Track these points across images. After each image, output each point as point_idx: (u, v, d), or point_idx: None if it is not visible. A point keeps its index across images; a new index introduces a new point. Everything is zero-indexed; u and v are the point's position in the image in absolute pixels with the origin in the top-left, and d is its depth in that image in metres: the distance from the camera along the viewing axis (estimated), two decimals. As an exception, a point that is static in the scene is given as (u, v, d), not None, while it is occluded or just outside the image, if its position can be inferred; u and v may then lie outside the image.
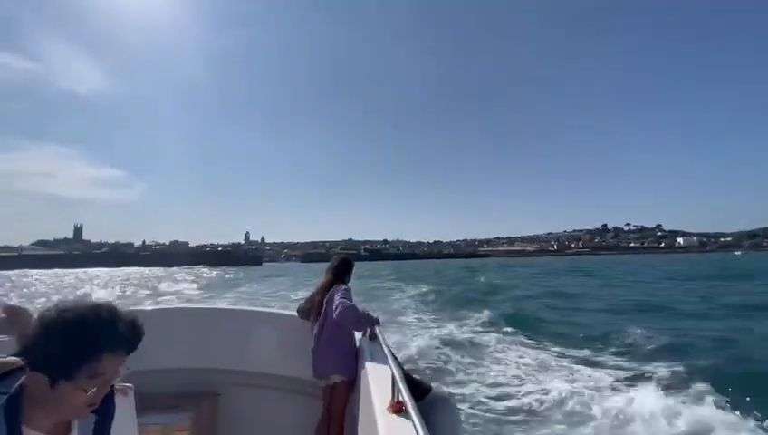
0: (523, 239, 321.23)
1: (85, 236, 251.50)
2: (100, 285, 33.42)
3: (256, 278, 41.80)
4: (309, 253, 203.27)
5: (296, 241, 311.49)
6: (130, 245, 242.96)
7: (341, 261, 2.95)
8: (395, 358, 1.78)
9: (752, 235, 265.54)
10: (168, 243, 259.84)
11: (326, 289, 2.77)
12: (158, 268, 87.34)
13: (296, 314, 2.91)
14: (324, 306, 2.71)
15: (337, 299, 2.62)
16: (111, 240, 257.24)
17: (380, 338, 2.34)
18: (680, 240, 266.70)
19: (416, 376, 2.12)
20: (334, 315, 2.59)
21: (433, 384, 2.09)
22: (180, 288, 28.88)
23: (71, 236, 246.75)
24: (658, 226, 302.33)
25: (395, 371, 1.55)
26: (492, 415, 5.21)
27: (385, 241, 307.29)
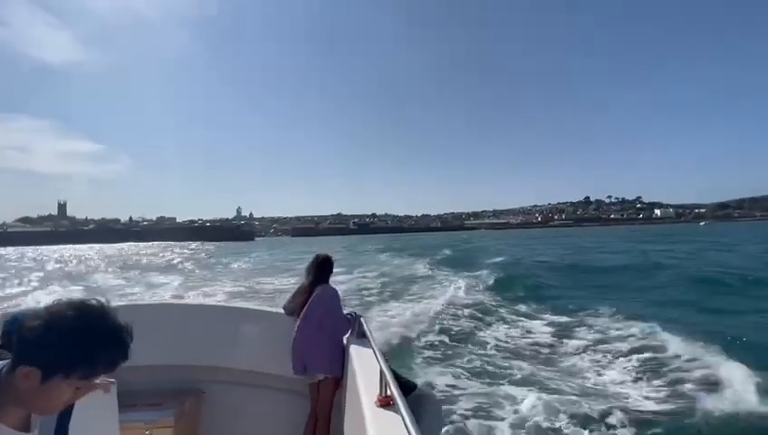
0: (509, 212, 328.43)
1: (69, 213, 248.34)
2: (108, 267, 30.44)
3: (256, 249, 45.92)
4: (298, 227, 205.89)
5: (284, 216, 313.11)
6: (117, 221, 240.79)
7: (322, 261, 2.90)
8: (383, 354, 1.86)
9: (723, 206, 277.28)
10: (154, 219, 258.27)
11: (309, 289, 2.78)
12: (149, 243, 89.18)
13: (282, 311, 2.92)
14: (307, 307, 2.71)
15: (326, 308, 2.67)
16: (97, 216, 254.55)
17: (368, 335, 2.36)
18: (658, 212, 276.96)
19: (402, 376, 2.20)
20: (333, 329, 2.65)
21: (418, 382, 2.18)
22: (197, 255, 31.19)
23: (55, 212, 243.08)
24: (638, 198, 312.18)
25: (383, 366, 1.58)
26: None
27: (374, 215, 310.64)
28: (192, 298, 11.95)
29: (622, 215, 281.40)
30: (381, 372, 1.55)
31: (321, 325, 2.63)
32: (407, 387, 2.05)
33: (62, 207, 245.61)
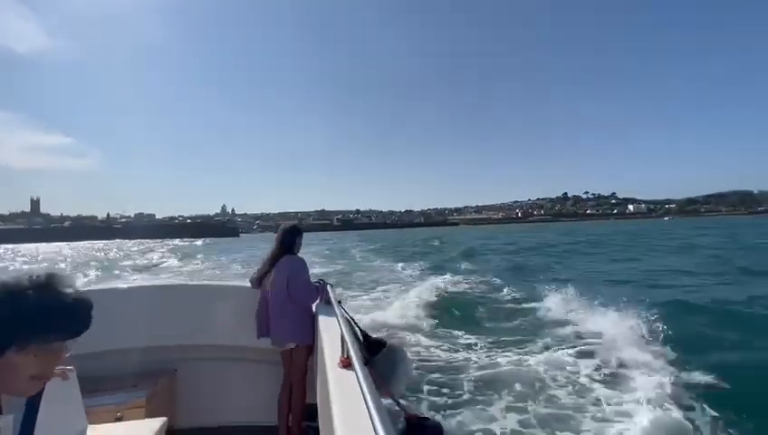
0: (491, 208, 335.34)
1: (43, 209, 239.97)
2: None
3: (244, 245, 47.31)
4: (281, 224, 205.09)
5: (267, 212, 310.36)
6: (94, 218, 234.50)
7: (286, 230, 2.87)
8: (346, 316, 1.98)
9: (692, 201, 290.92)
10: (132, 215, 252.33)
11: (274, 259, 2.77)
12: (132, 241, 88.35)
13: (249, 284, 2.90)
14: (273, 276, 2.72)
15: (294, 278, 2.67)
16: (72, 213, 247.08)
17: (333, 300, 2.45)
18: (631, 207, 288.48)
19: (375, 335, 2.33)
20: (302, 298, 2.68)
21: (389, 340, 2.35)
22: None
23: (27, 209, 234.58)
24: (613, 194, 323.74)
25: (343, 329, 1.69)
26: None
27: (357, 211, 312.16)
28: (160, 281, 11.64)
29: (598, 210, 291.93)
30: (342, 336, 1.67)
31: (288, 295, 2.64)
32: (377, 345, 2.20)
33: (35, 203, 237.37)
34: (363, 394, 1.07)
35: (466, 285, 11.49)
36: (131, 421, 2.25)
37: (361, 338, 2.40)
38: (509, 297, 9.96)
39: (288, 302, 2.66)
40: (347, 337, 1.58)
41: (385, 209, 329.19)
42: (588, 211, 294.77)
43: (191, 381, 2.96)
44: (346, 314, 2.13)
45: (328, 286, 2.74)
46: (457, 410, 4.16)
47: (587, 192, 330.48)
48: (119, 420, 2.31)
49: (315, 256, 24.98)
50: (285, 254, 2.79)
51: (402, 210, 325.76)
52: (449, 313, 8.40)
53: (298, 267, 2.74)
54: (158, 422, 2.10)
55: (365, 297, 11.38)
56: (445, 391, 4.64)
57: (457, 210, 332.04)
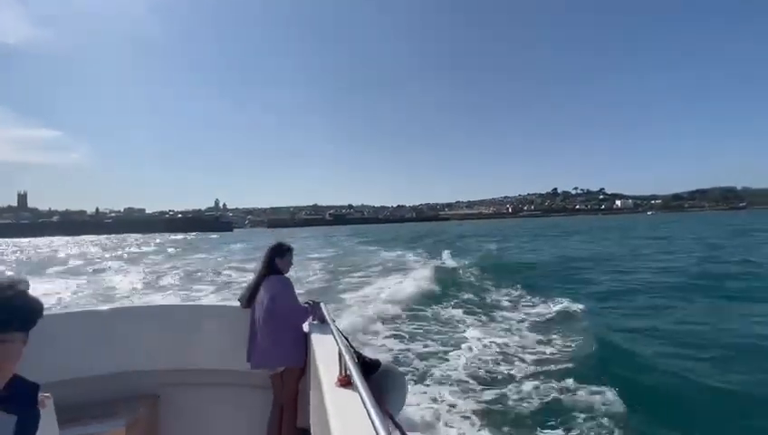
0: (482, 203, 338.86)
1: (30, 204, 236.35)
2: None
3: (242, 239, 48.95)
4: (274, 219, 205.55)
5: (259, 207, 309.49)
6: (83, 212, 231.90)
7: (272, 249, 2.79)
8: (341, 334, 1.89)
9: (677, 197, 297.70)
10: (122, 210, 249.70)
11: (261, 278, 2.71)
12: (123, 235, 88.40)
13: (238, 304, 2.80)
14: (260, 296, 2.66)
15: (280, 298, 2.59)
16: (60, 208, 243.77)
17: (328, 318, 2.36)
18: (618, 203, 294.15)
19: (366, 356, 2.24)
20: (288, 319, 2.60)
21: (382, 360, 2.23)
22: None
23: (14, 203, 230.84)
24: (601, 189, 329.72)
25: (341, 346, 1.61)
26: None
27: (350, 206, 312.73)
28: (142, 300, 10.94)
29: (586, 205, 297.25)
30: (340, 353, 1.59)
31: (273, 317, 2.57)
32: (371, 365, 2.13)
33: (22, 197, 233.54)
34: (368, 412, 1.02)
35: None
36: None
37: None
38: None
39: (275, 323, 2.57)
40: (345, 354, 1.54)
41: (377, 204, 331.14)
42: (577, 206, 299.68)
43: (175, 407, 2.81)
44: (342, 333, 2.09)
45: (321, 304, 2.64)
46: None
47: (576, 188, 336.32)
48: None
49: (311, 244, 29.11)
50: (272, 273, 2.70)
51: (394, 205, 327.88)
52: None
53: (281, 287, 2.64)
54: None
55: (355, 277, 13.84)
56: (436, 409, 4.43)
57: (449, 205, 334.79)
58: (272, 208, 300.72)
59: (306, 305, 2.66)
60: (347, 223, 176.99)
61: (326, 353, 1.95)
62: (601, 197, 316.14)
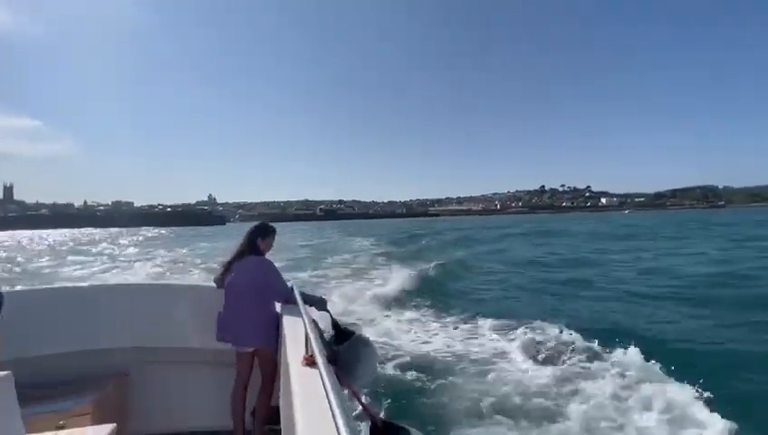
0: (472, 199, 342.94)
1: (16, 197, 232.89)
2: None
3: (238, 234, 52.16)
4: (264, 213, 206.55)
5: (249, 201, 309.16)
6: (71, 205, 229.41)
7: (255, 228, 2.80)
8: (310, 317, 1.96)
9: (659, 196, 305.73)
10: (110, 203, 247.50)
11: (239, 257, 2.70)
12: (119, 229, 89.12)
13: (213, 284, 2.79)
14: (236, 275, 2.64)
15: (272, 279, 2.61)
16: (47, 200, 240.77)
17: (299, 301, 2.38)
18: (603, 200, 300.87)
19: (344, 325, 2.32)
20: (282, 299, 2.60)
21: (357, 332, 2.27)
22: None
23: (0, 196, 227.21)
24: (588, 187, 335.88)
25: (308, 327, 1.67)
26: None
27: (340, 201, 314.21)
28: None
29: (572, 203, 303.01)
30: (306, 334, 1.65)
31: (250, 297, 2.57)
32: (345, 333, 2.23)
33: (8, 190, 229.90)
34: (326, 392, 1.05)
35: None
36: (75, 429, 2.01)
37: (332, 328, 2.38)
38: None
39: (252, 303, 2.58)
40: (311, 335, 1.58)
41: (368, 200, 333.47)
42: (563, 204, 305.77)
43: (144, 385, 2.82)
44: (309, 314, 2.08)
45: (293, 286, 2.65)
46: (422, 411, 4.16)
47: (563, 185, 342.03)
48: (60, 428, 2.08)
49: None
50: (252, 253, 2.70)
51: (385, 201, 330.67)
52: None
53: (270, 268, 2.64)
54: (105, 429, 1.92)
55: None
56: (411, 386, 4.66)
57: (439, 202, 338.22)
58: (263, 203, 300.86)
59: (287, 285, 2.65)
60: (338, 218, 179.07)
61: (295, 334, 1.98)
62: (587, 194, 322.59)
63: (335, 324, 2.28)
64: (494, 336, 6.70)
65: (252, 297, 2.61)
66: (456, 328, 7.39)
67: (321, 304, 2.64)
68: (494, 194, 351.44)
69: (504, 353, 5.93)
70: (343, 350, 2.12)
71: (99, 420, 2.22)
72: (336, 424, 0.86)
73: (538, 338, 6.43)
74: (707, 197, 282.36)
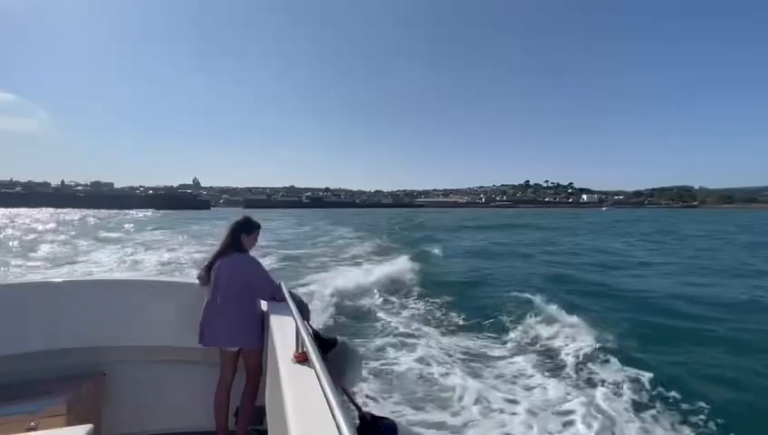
0: (457, 192, 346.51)
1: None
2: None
3: (225, 218, 52.06)
4: (250, 199, 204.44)
5: (234, 186, 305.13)
6: (47, 184, 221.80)
7: (238, 223, 2.71)
8: (299, 313, 1.91)
9: (638, 193, 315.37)
10: (89, 183, 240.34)
11: (222, 254, 2.63)
12: (111, 210, 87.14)
13: (197, 281, 2.73)
14: (219, 272, 2.58)
15: (256, 277, 2.55)
16: (22, 178, 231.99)
17: (287, 297, 2.33)
18: (585, 197, 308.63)
19: (324, 334, 2.26)
20: (267, 297, 2.54)
21: (339, 338, 2.23)
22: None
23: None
24: (570, 183, 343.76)
25: (298, 323, 1.62)
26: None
27: (327, 189, 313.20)
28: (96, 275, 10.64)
29: (555, 198, 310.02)
30: (297, 331, 1.61)
31: (242, 294, 2.52)
32: (328, 343, 2.16)
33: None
34: (323, 387, 1.01)
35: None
36: (48, 431, 1.91)
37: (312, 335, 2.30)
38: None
39: (237, 301, 2.52)
40: (302, 330, 1.55)
41: (355, 189, 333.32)
42: (546, 199, 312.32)
43: (122, 385, 2.74)
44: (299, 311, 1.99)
45: (281, 283, 2.57)
46: (409, 409, 4.17)
47: (547, 181, 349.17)
48: (31, 430, 2.03)
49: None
50: (235, 250, 2.64)
51: (372, 190, 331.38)
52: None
53: (254, 265, 2.59)
54: (80, 430, 1.81)
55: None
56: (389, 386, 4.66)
57: (426, 193, 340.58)
58: (247, 188, 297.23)
59: (273, 282, 2.58)
60: (324, 206, 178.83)
61: (283, 331, 1.94)
62: (570, 190, 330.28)
63: (316, 335, 2.19)
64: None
65: (236, 295, 2.53)
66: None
67: (302, 310, 2.51)
68: (480, 187, 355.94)
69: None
70: (329, 357, 2.09)
71: (73, 421, 2.14)
72: (335, 418, 0.84)
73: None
74: (682, 197, 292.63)
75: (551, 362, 5.49)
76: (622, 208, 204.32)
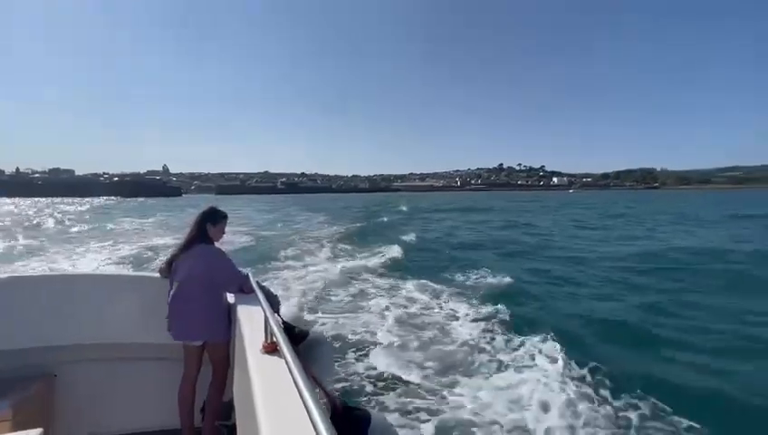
0: (434, 176, 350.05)
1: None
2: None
3: (198, 205, 51.10)
4: (223, 185, 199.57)
5: (206, 172, 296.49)
6: (1, 172, 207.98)
7: (204, 214, 2.63)
8: (269, 304, 1.83)
9: (605, 176, 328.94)
10: (47, 171, 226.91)
11: (188, 245, 2.55)
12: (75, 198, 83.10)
13: (151, 273, 2.66)
14: (183, 263, 2.51)
15: (221, 268, 2.49)
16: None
17: (255, 288, 2.26)
18: (555, 180, 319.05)
19: (296, 327, 2.19)
20: (235, 289, 2.50)
21: (311, 330, 2.18)
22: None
23: None
24: (542, 167, 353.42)
25: (268, 314, 1.57)
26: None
27: (303, 174, 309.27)
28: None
29: (527, 181, 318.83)
30: (266, 320, 1.56)
31: (199, 287, 2.43)
32: (299, 335, 2.09)
33: None
34: (293, 377, 0.98)
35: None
36: None
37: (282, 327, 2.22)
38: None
39: (201, 294, 2.45)
40: (271, 320, 1.50)
41: (332, 173, 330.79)
42: (519, 182, 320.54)
43: (76, 386, 2.61)
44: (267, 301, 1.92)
45: (249, 273, 2.51)
46: (380, 395, 4.17)
47: (520, 164, 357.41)
48: None
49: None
50: (201, 241, 2.56)
51: (349, 175, 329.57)
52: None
53: (220, 256, 2.53)
54: None
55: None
56: (367, 375, 4.65)
57: (402, 177, 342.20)
58: (221, 174, 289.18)
59: (241, 274, 2.52)
60: (299, 191, 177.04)
61: (252, 322, 1.89)
62: (541, 174, 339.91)
63: (287, 327, 2.14)
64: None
65: (200, 287, 2.46)
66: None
67: (272, 303, 2.39)
68: (456, 171, 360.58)
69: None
70: (301, 349, 2.03)
71: (21, 426, 2.03)
72: (307, 408, 0.83)
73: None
74: (645, 178, 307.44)
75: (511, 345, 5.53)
76: (589, 190, 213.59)
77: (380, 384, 4.49)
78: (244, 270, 2.60)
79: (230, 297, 2.58)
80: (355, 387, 4.42)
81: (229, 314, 2.50)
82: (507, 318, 6.40)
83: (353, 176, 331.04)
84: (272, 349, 1.52)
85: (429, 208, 41.81)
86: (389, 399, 4.16)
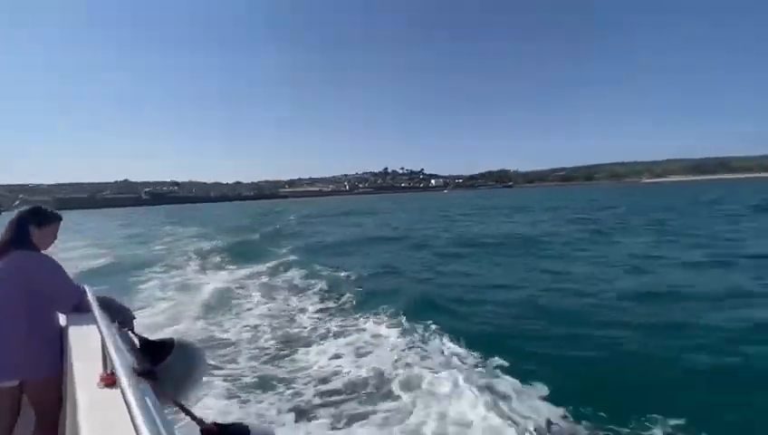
0: (323, 180, 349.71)
1: None
2: None
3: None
4: (64, 198, 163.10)
5: (40, 183, 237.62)
6: None
7: (21, 214, 2.06)
8: (108, 322, 1.55)
9: (472, 177, 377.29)
10: None
11: (1, 254, 1.93)
12: None
13: None
14: None
15: (53, 280, 1.98)
16: None
17: (93, 306, 1.85)
18: (433, 181, 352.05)
19: (156, 338, 1.90)
20: (71, 307, 2.01)
21: (176, 338, 1.88)
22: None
23: None
24: (422, 169, 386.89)
25: (106, 338, 1.32)
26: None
27: (174, 183, 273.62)
28: None
29: (409, 184, 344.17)
30: (103, 347, 1.31)
31: (17, 308, 1.88)
32: (162, 348, 1.79)
33: None
34: (132, 416, 0.83)
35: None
36: None
37: (138, 345, 1.90)
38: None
39: (20, 317, 1.88)
40: (110, 347, 1.24)
41: (210, 181, 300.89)
42: (402, 184, 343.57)
43: None
44: (108, 321, 1.63)
45: (86, 288, 2.07)
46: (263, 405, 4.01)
47: (403, 168, 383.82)
48: None
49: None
50: (22, 247, 1.96)
51: (231, 182, 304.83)
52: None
53: (50, 267, 1.98)
54: None
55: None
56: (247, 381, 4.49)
57: (291, 182, 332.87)
58: (60, 185, 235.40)
59: (78, 288, 2.05)
60: (169, 202, 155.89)
61: (86, 350, 1.60)
62: (422, 176, 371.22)
63: (145, 343, 1.86)
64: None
65: (19, 309, 1.91)
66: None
67: (125, 319, 2.06)
68: (344, 175, 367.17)
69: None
70: (167, 365, 1.76)
71: None
72: None
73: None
74: (502, 178, 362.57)
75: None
76: (460, 190, 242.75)
77: (254, 390, 4.42)
78: (81, 284, 2.16)
79: (62, 319, 2.09)
80: (231, 396, 4.27)
81: (61, 341, 1.99)
82: (349, 302, 7.94)
83: (236, 182, 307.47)
84: (110, 381, 1.30)
85: (315, 214, 42.65)
86: (265, 404, 4.14)
